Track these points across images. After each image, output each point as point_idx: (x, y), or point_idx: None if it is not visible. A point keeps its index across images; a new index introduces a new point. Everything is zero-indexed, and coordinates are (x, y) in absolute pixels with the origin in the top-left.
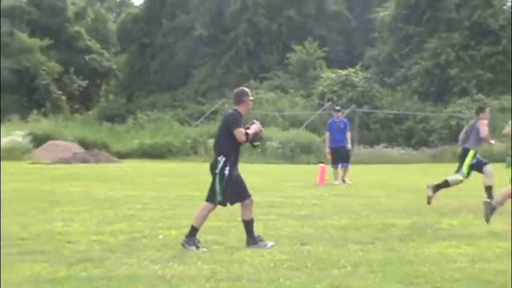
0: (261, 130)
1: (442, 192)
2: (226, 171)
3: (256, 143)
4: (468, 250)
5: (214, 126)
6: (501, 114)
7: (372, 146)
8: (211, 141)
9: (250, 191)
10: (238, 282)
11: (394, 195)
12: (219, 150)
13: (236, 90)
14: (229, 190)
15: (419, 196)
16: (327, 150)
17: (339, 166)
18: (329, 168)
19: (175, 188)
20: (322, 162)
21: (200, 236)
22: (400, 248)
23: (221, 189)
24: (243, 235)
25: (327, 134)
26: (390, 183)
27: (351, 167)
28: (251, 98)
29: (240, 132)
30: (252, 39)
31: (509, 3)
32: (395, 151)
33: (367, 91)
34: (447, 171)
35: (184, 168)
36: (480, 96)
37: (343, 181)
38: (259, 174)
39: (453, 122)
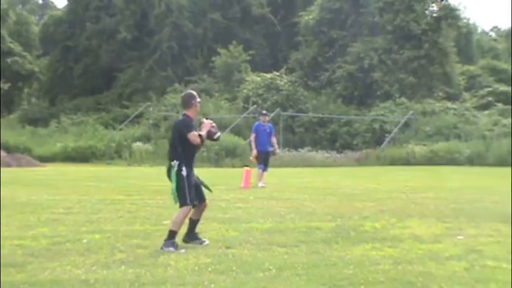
0: (212, 125)
1: (365, 195)
2: (184, 172)
3: (215, 137)
4: (391, 252)
5: (139, 130)
6: (423, 117)
7: (296, 149)
8: (136, 145)
9: None
10: (162, 285)
11: (318, 199)
12: (172, 156)
13: (183, 94)
14: (192, 191)
15: (344, 199)
16: (254, 151)
17: (263, 169)
18: (254, 171)
19: (99, 192)
20: (247, 166)
21: (125, 241)
22: (324, 251)
23: (184, 190)
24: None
25: (253, 135)
26: (315, 186)
27: (269, 171)
28: (199, 100)
29: (193, 136)
30: (176, 43)
31: (432, 8)
32: (320, 154)
33: (292, 94)
34: (371, 174)
35: (108, 172)
36: (403, 99)
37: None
38: None
39: (376, 126)
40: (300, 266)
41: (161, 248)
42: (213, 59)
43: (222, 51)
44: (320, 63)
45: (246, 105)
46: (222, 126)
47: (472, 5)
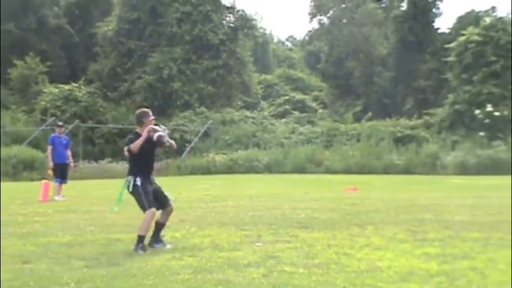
0: (155, 130)
1: None
2: (138, 182)
3: (167, 142)
4: (191, 261)
5: None
6: (223, 126)
7: (96, 160)
8: None
9: None
10: None
11: (119, 210)
12: (128, 172)
13: (137, 112)
14: (149, 197)
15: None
16: (51, 164)
17: (60, 182)
18: (52, 183)
19: None
20: (45, 179)
21: None
22: (124, 263)
23: (141, 198)
24: None
25: (49, 148)
26: (114, 198)
27: (69, 183)
28: (151, 118)
29: (133, 147)
30: None
31: (229, 18)
32: (120, 165)
33: (91, 106)
34: (172, 184)
35: None
36: (202, 109)
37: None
38: None
39: (177, 135)
40: (100, 279)
41: (134, 250)
42: (9, 70)
43: (18, 62)
44: (119, 74)
45: (44, 118)
46: (19, 139)
47: (268, 15)
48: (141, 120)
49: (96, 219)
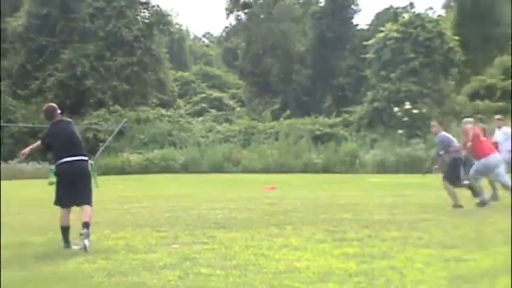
0: None
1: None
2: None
3: None
4: (104, 264)
5: None
6: (138, 125)
7: (6, 161)
8: None
9: None
10: None
11: (31, 212)
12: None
13: (45, 107)
14: (60, 193)
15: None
16: None
17: None
18: None
19: None
20: None
21: None
22: (35, 266)
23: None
24: None
25: None
26: (29, 198)
27: None
28: (59, 111)
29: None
30: None
31: (144, 14)
32: (31, 166)
33: (0, 104)
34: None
35: None
36: (117, 107)
37: None
38: None
39: (90, 135)
40: (11, 283)
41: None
42: None
43: None
44: (29, 71)
45: None
46: None
47: (184, 10)
48: (51, 115)
49: (6, 222)
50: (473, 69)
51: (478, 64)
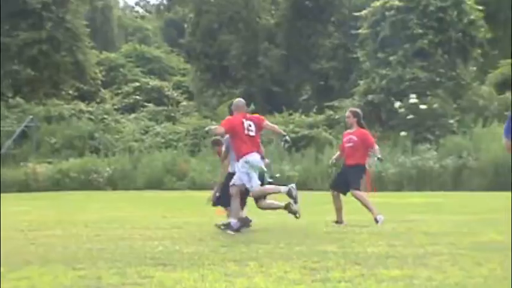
0: None
1: None
2: None
3: None
4: None
5: None
6: (48, 124)
7: None
8: None
9: None
10: None
11: None
12: None
13: None
14: None
15: None
16: None
17: None
18: None
19: None
20: None
21: None
22: None
23: None
24: None
25: None
26: None
27: None
28: None
29: None
30: None
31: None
32: None
33: None
34: None
35: None
36: (18, 100)
37: None
38: None
39: None
40: None
41: None
42: None
43: None
44: None
45: None
46: None
47: None
48: None
49: None
50: (501, 51)
51: (508, 44)
